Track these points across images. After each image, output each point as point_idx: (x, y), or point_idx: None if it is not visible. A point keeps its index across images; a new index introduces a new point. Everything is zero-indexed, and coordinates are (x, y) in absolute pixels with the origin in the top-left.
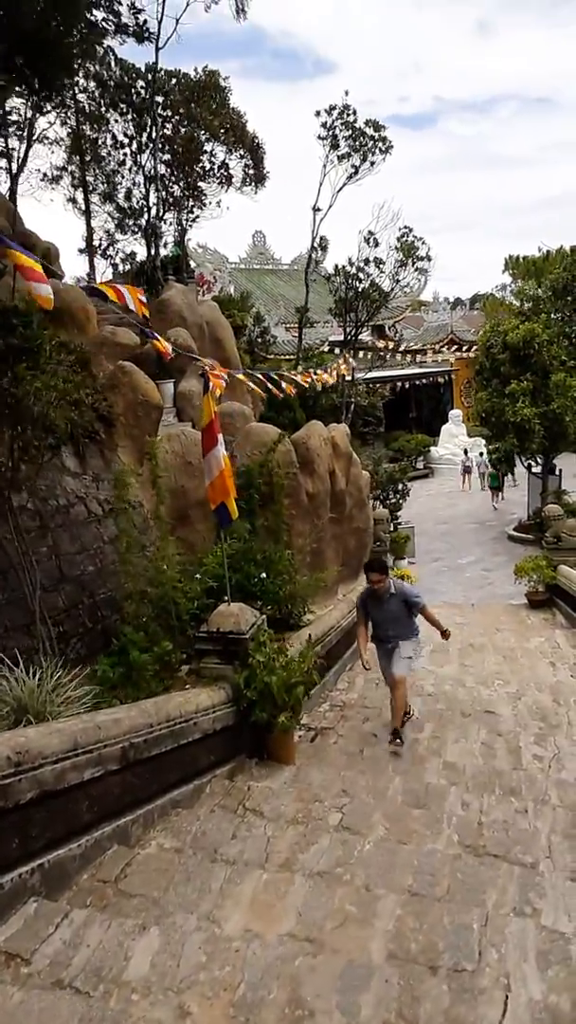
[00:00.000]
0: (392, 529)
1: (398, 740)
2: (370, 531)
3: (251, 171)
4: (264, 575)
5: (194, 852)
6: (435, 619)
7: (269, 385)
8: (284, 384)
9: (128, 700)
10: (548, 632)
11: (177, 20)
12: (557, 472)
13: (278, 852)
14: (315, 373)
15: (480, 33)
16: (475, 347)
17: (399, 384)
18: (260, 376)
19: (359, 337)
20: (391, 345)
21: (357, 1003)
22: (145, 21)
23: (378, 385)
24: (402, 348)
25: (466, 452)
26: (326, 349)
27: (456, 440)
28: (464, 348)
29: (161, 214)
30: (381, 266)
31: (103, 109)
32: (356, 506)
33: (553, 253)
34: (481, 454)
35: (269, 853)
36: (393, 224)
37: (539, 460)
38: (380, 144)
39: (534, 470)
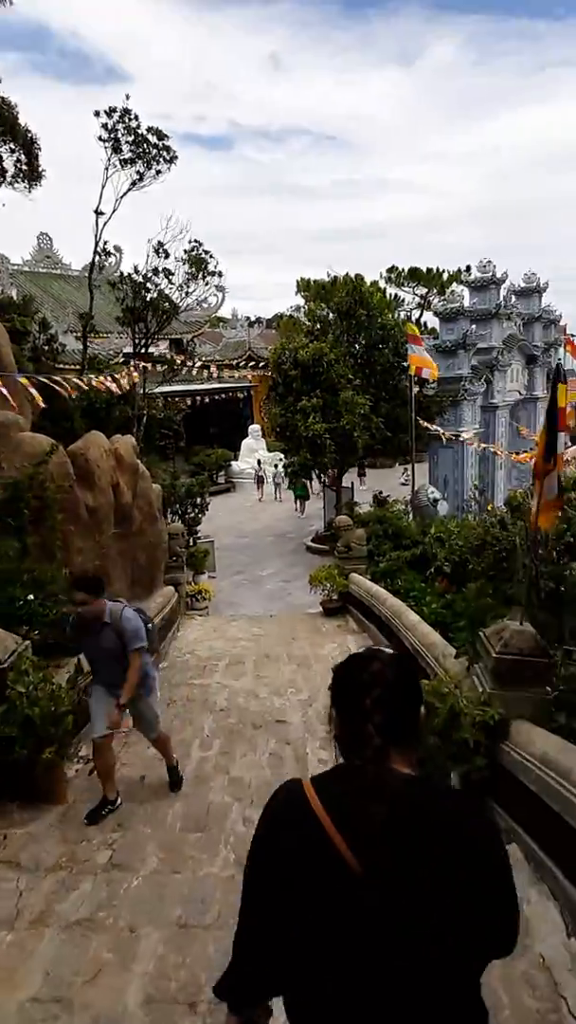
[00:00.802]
0: (191, 544)
1: (176, 790)
2: (163, 546)
3: (24, 167)
4: (31, 597)
5: None
6: (133, 679)
7: (33, 391)
8: (62, 390)
9: None
10: (341, 638)
11: None
12: (350, 484)
13: (31, 906)
14: (97, 379)
15: (273, 66)
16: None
17: (199, 399)
18: (23, 381)
19: (156, 351)
20: (187, 360)
21: None
22: None
23: (176, 399)
24: (199, 363)
25: (259, 463)
26: (121, 360)
27: (256, 454)
28: (262, 365)
29: None
30: (171, 277)
31: None
32: (146, 520)
33: (340, 279)
34: (275, 466)
35: (20, 909)
36: (183, 237)
37: (331, 473)
38: (164, 153)
39: (328, 483)
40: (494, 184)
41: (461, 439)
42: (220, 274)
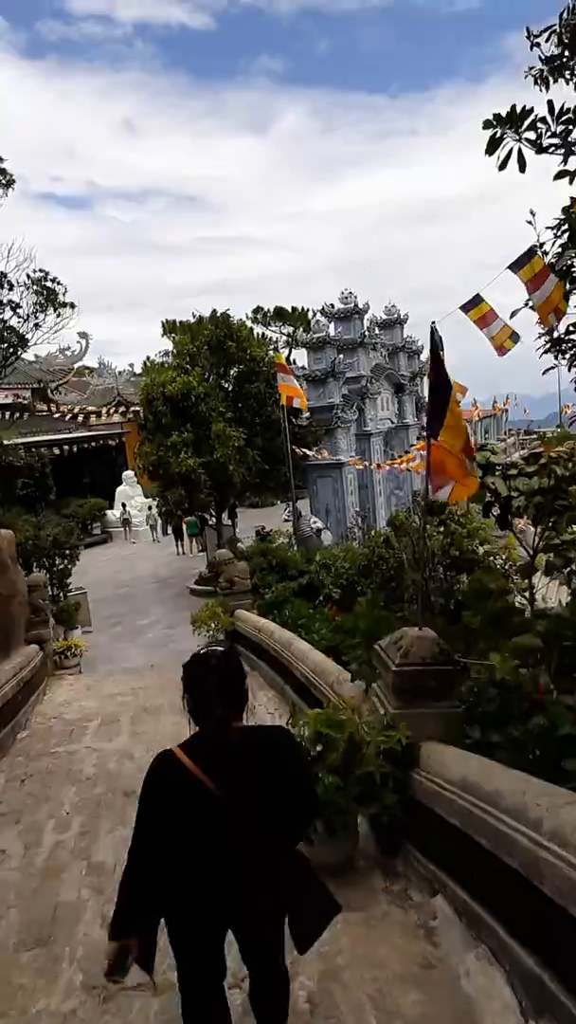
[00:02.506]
0: (60, 597)
1: None
2: (20, 598)
3: None
4: None
5: None
6: None
7: None
8: None
9: None
10: None
11: None
12: (231, 522)
13: None
14: None
15: (128, 131)
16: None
17: (68, 448)
18: None
19: (15, 399)
20: (49, 406)
21: None
22: None
23: (42, 448)
24: (65, 411)
25: (124, 506)
26: None
27: (133, 501)
28: (133, 410)
29: None
30: (18, 310)
31: None
32: None
33: (206, 319)
34: (150, 507)
35: None
36: (28, 265)
37: (212, 512)
38: (1, 177)
39: (210, 522)
40: (349, 240)
41: (341, 461)
42: (72, 305)
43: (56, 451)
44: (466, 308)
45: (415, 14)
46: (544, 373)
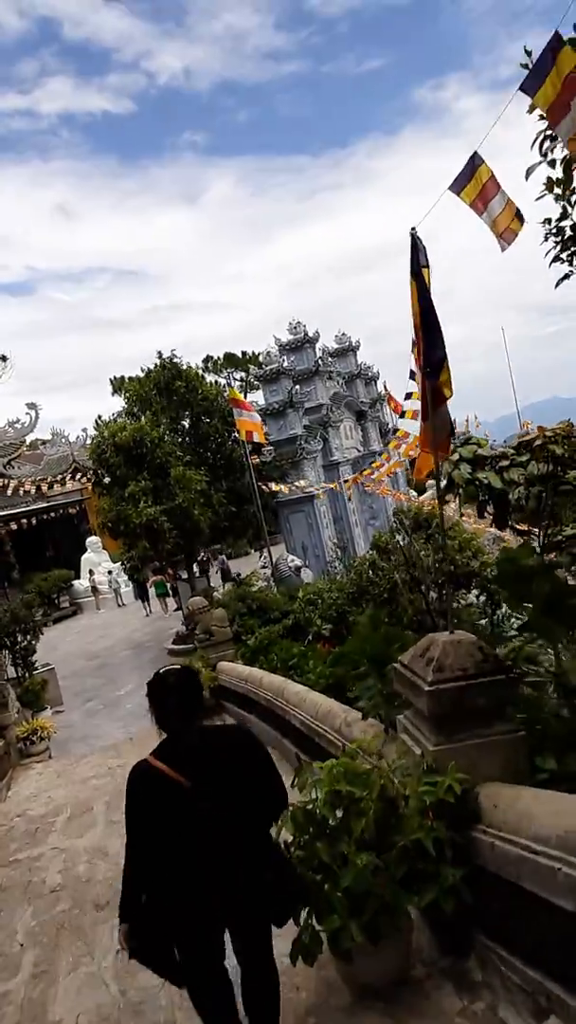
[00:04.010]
0: (24, 675)
1: None
2: None
3: None
4: None
5: None
6: None
7: None
8: None
9: None
10: None
11: None
12: (203, 576)
13: None
14: None
15: (62, 214)
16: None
17: (25, 521)
18: None
19: None
20: (7, 483)
21: None
22: None
23: None
24: (15, 484)
25: (91, 572)
26: None
27: (100, 567)
28: (90, 475)
29: None
30: None
31: None
32: None
33: (154, 370)
34: (109, 572)
35: None
36: None
37: (183, 566)
38: None
39: (183, 577)
40: (291, 294)
41: (311, 494)
42: (4, 358)
43: (14, 526)
44: (458, 186)
45: (324, 77)
46: (556, 285)
